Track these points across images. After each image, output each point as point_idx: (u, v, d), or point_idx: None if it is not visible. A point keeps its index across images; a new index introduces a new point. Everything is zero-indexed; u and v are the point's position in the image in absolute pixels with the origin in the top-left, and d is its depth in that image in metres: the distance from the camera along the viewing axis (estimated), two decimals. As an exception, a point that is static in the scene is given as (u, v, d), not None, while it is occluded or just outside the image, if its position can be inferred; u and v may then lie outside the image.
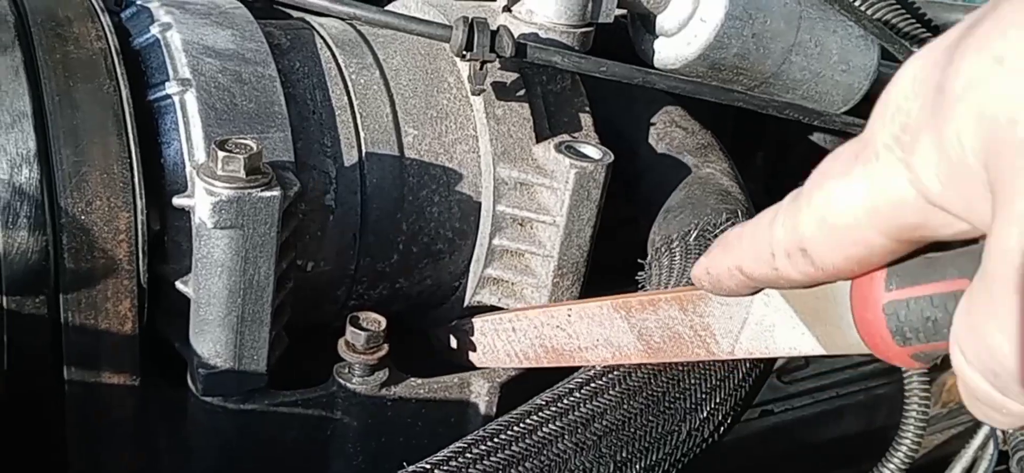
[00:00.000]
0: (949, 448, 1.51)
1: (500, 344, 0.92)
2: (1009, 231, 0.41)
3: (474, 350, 0.96)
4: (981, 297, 0.43)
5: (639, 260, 0.99)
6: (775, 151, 1.40)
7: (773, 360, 0.84)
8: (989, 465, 1.31)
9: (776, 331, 0.65)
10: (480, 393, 0.95)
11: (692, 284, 0.69)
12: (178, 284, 0.86)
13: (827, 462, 1.42)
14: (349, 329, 0.89)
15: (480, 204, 0.98)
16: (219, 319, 0.83)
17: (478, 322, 0.95)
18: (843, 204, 0.49)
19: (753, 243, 0.57)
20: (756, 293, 0.64)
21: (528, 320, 0.88)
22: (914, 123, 0.45)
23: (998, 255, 0.42)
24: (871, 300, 0.54)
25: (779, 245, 0.54)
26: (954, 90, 0.43)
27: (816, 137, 1.35)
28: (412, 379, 0.93)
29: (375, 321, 0.90)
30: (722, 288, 0.63)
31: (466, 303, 1.03)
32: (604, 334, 0.79)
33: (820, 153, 1.31)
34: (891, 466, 1.10)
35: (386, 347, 0.90)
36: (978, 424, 1.37)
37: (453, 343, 0.98)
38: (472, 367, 0.97)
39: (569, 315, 0.83)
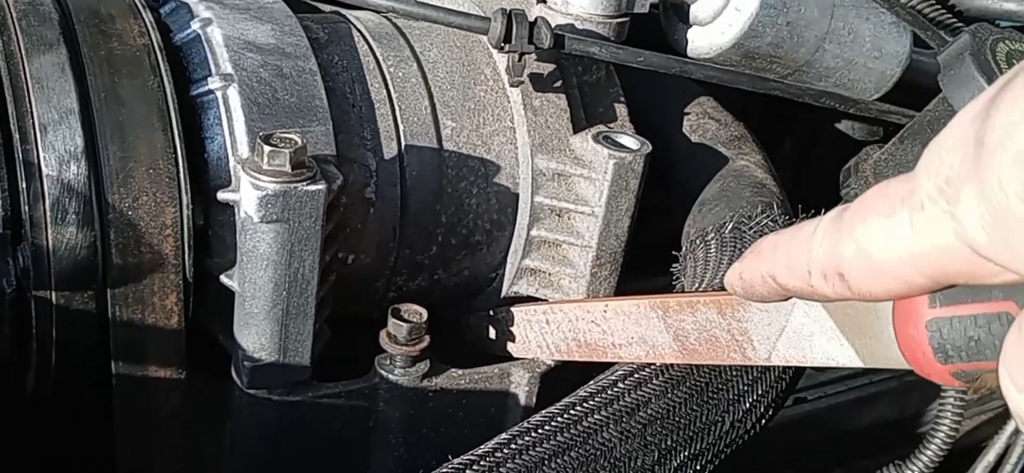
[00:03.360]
0: (980, 434, 1.51)
1: (533, 335, 0.93)
2: None
3: (508, 340, 0.97)
4: None
5: (673, 252, 0.99)
6: (802, 139, 1.40)
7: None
8: (1023, 451, 1.30)
9: (814, 340, 0.66)
10: (520, 383, 0.96)
11: None
12: (222, 278, 0.87)
13: (860, 449, 1.42)
14: (391, 321, 0.90)
15: (518, 195, 0.98)
16: (264, 312, 0.84)
17: (513, 312, 0.95)
18: (886, 244, 0.50)
19: (789, 256, 0.59)
20: (786, 300, 0.65)
21: (563, 313, 0.89)
22: (957, 176, 0.45)
23: None
24: (914, 316, 0.55)
25: (816, 264, 0.55)
26: (993, 140, 0.43)
27: (843, 125, 1.34)
28: (453, 370, 0.93)
29: (417, 313, 0.91)
30: (754, 294, 0.64)
31: (503, 294, 1.04)
32: (639, 332, 0.79)
33: (848, 140, 1.32)
34: (928, 453, 1.10)
35: (427, 339, 0.91)
36: (1010, 410, 1.36)
37: (488, 332, 0.99)
38: (508, 357, 0.97)
39: (605, 311, 0.83)
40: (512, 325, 0.95)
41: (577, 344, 0.87)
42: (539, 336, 0.92)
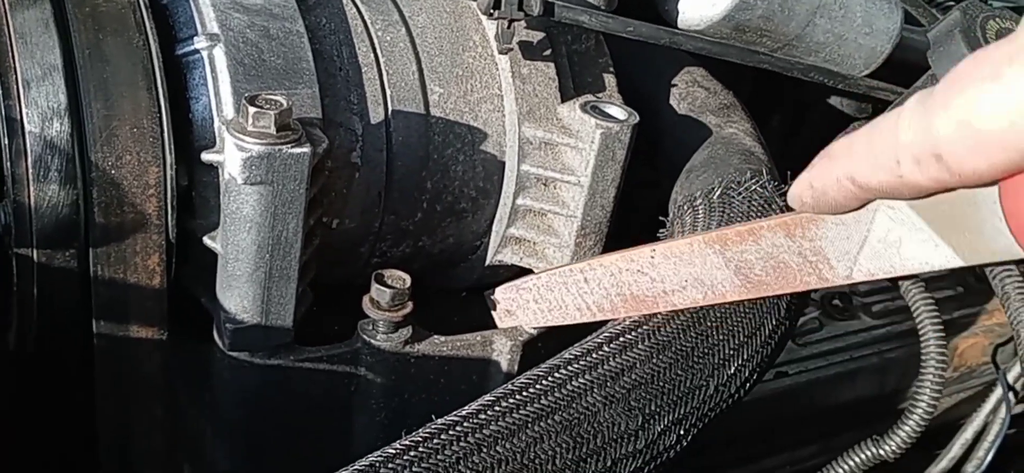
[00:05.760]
0: (959, 412, 1.52)
1: (570, 298, 0.87)
2: None
3: (541, 307, 0.92)
4: None
5: (661, 218, 0.99)
6: (792, 113, 1.40)
7: (797, 318, 0.84)
8: (1000, 429, 1.32)
9: (903, 246, 0.60)
10: (502, 351, 0.96)
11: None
12: (206, 240, 0.86)
13: (840, 424, 1.43)
14: (374, 286, 0.90)
15: (504, 163, 0.98)
16: (247, 275, 0.84)
17: (544, 277, 0.91)
18: (993, 110, 0.46)
19: (870, 148, 0.54)
20: (862, 207, 0.60)
21: (603, 268, 0.83)
22: None
23: None
24: None
25: (906, 150, 0.51)
26: None
27: (833, 100, 1.34)
28: (435, 337, 0.93)
29: (400, 278, 0.91)
30: (827, 202, 0.59)
31: (487, 262, 1.03)
32: (694, 273, 0.74)
33: (837, 115, 1.32)
34: (906, 429, 1.10)
35: (410, 305, 0.91)
36: (989, 389, 1.38)
37: (516, 303, 0.95)
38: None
39: (652, 257, 0.78)
40: (546, 290, 0.90)
41: (622, 298, 0.81)
42: (577, 298, 0.86)
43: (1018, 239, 0.53)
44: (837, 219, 0.63)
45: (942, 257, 0.59)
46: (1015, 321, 1.14)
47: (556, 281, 0.89)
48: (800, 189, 0.61)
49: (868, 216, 0.61)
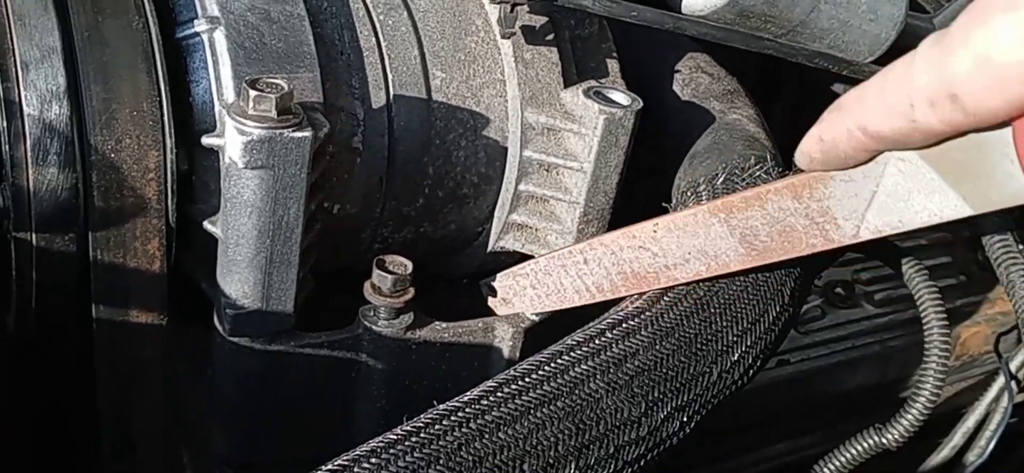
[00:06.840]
0: (961, 400, 1.52)
1: (568, 281, 0.86)
2: None
3: (537, 294, 0.92)
4: None
5: (664, 204, 0.98)
6: (796, 101, 1.39)
7: (801, 305, 0.84)
8: (1002, 418, 1.31)
9: (912, 199, 0.59)
10: (504, 338, 0.95)
11: None
12: (206, 224, 0.86)
13: (842, 412, 1.42)
14: (375, 272, 0.89)
15: (506, 149, 0.97)
16: (247, 260, 0.83)
17: (542, 262, 0.91)
18: (1013, 39, 0.45)
19: (883, 97, 0.53)
20: (872, 159, 0.58)
21: (603, 247, 0.82)
22: None
23: None
24: None
25: (920, 93, 0.49)
26: None
27: (838, 87, 1.34)
28: (437, 323, 0.93)
29: (401, 264, 0.91)
30: (837, 154, 0.58)
31: (489, 249, 1.03)
32: (698, 245, 0.73)
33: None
34: (908, 418, 1.10)
35: (412, 290, 0.90)
36: (991, 377, 1.37)
37: (509, 292, 0.95)
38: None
39: (655, 231, 0.77)
40: (544, 274, 0.90)
41: (622, 277, 0.80)
42: (575, 280, 0.85)
43: None
44: (845, 176, 0.62)
45: (952, 207, 0.58)
46: (1019, 309, 1.13)
47: (554, 265, 0.88)
48: (809, 145, 0.60)
49: (878, 169, 0.60)
